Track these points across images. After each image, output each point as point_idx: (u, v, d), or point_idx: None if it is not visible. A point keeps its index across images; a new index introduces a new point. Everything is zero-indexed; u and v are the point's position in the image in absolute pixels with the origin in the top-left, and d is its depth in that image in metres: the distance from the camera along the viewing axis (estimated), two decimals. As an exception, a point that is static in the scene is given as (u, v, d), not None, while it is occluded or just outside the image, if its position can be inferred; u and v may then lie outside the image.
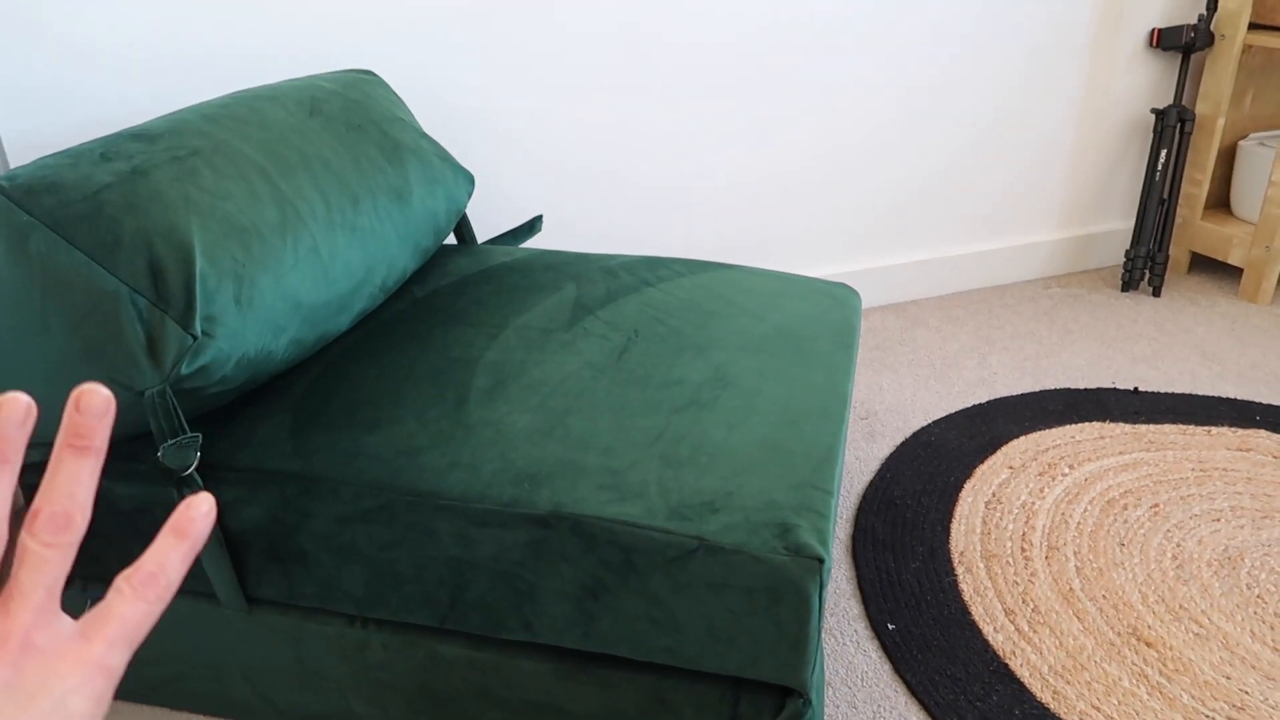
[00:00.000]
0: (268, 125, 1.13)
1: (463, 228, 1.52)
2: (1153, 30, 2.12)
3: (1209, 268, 2.32)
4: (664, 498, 0.90)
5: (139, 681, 1.08)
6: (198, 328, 0.91)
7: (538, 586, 0.91)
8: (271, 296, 1.00)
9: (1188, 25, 2.07)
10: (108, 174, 0.94)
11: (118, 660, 0.31)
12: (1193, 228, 2.23)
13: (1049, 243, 2.23)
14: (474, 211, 1.74)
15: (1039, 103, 2.08)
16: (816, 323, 1.25)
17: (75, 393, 0.31)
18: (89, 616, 0.31)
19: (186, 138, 1.04)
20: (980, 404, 1.69)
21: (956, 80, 1.98)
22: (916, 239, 2.10)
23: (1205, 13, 2.08)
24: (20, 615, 0.29)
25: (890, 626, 1.20)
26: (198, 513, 0.35)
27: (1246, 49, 2.16)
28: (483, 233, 1.76)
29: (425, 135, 1.35)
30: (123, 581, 0.33)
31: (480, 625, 0.95)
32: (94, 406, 0.31)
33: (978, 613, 1.22)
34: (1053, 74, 2.07)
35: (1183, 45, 2.08)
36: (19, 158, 1.41)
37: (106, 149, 0.99)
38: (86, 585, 1.05)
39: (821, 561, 0.85)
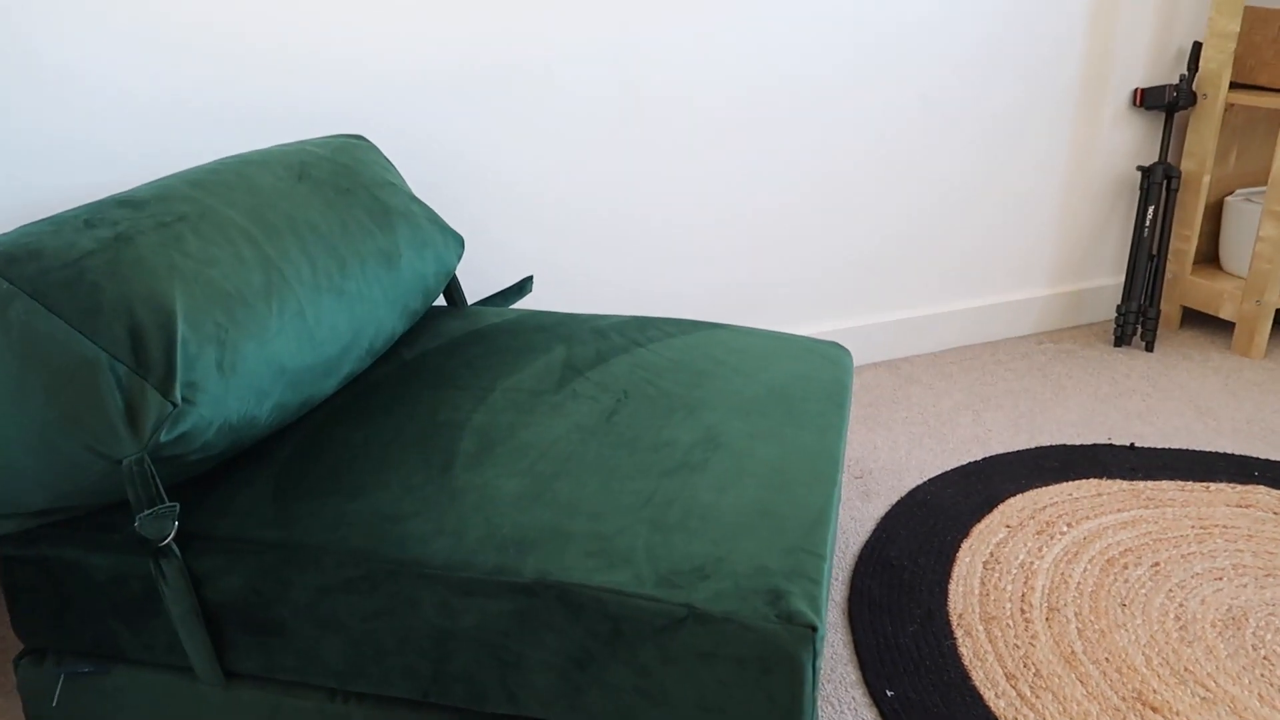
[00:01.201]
0: (255, 190, 1.13)
1: (452, 289, 1.52)
2: (1136, 90, 2.16)
3: (1201, 322, 2.32)
4: (652, 564, 0.88)
5: (113, 760, 1.05)
6: (178, 395, 0.89)
7: (523, 657, 0.89)
8: (255, 362, 0.98)
9: (1170, 85, 2.10)
10: (91, 241, 0.94)
11: None
12: (1183, 283, 2.24)
13: (1040, 298, 2.23)
14: (464, 265, 1.74)
15: (1027, 161, 2.10)
16: (808, 382, 1.24)
17: None
18: None
19: (172, 204, 1.04)
20: (976, 461, 1.68)
21: (946, 141, 2.00)
22: (908, 296, 2.11)
23: (1187, 73, 2.11)
24: None
25: (889, 693, 1.17)
26: None
27: (1229, 107, 2.19)
28: (474, 284, 1.76)
29: (415, 199, 1.36)
30: None
31: (464, 698, 0.92)
32: None
33: (978, 678, 1.19)
34: (1040, 134, 2.09)
35: (1166, 105, 2.11)
36: (5, 216, 1.41)
37: (91, 215, 0.98)
38: (61, 660, 1.02)
39: (815, 629, 0.83)
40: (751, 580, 0.87)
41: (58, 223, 0.97)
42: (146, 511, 0.88)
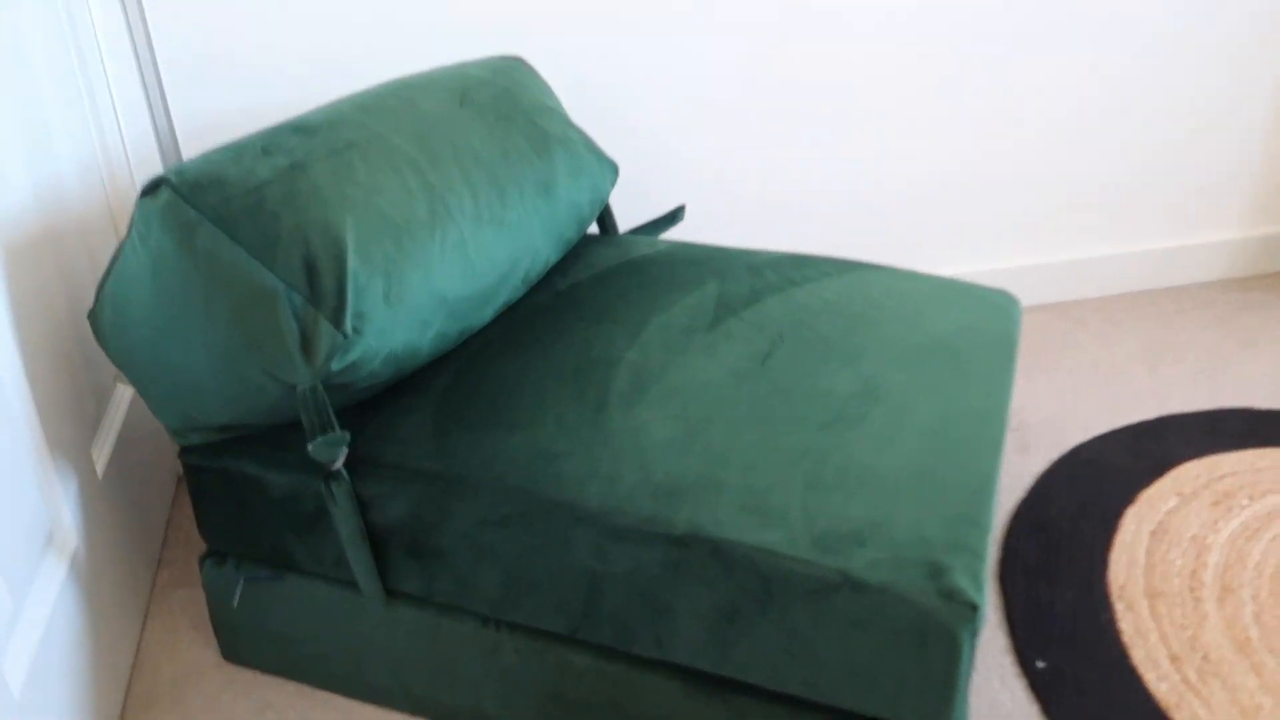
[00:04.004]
0: (420, 116, 1.13)
1: (605, 217, 1.50)
2: (1373, 8, 1.89)
3: None
4: (808, 525, 0.86)
5: (282, 658, 1.12)
6: (349, 325, 0.92)
7: (673, 606, 0.89)
8: (419, 292, 1.00)
9: None
10: (268, 169, 0.96)
11: None
12: (1405, 230, 2.00)
13: (1231, 242, 2.04)
14: (617, 194, 1.72)
15: (1226, 92, 1.89)
16: (974, 334, 1.17)
17: None
18: None
19: (343, 130, 1.05)
20: (1147, 420, 1.57)
21: (1136, 68, 1.82)
22: (1081, 234, 1.96)
23: None
24: None
25: (1040, 664, 1.13)
26: None
27: None
28: (624, 210, 1.74)
29: (572, 124, 1.33)
30: None
31: (612, 638, 0.94)
32: None
33: (1138, 656, 1.13)
34: (1245, 63, 1.87)
35: None
36: (187, 134, 1.47)
37: (268, 143, 1.00)
38: (241, 564, 1.09)
39: (976, 608, 0.80)
40: (911, 550, 0.84)
41: (238, 150, 0.99)
42: (320, 439, 0.91)
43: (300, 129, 1.05)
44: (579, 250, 1.40)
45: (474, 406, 1.03)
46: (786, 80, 1.69)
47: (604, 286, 1.28)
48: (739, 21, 1.62)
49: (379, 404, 1.05)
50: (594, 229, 1.76)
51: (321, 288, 0.92)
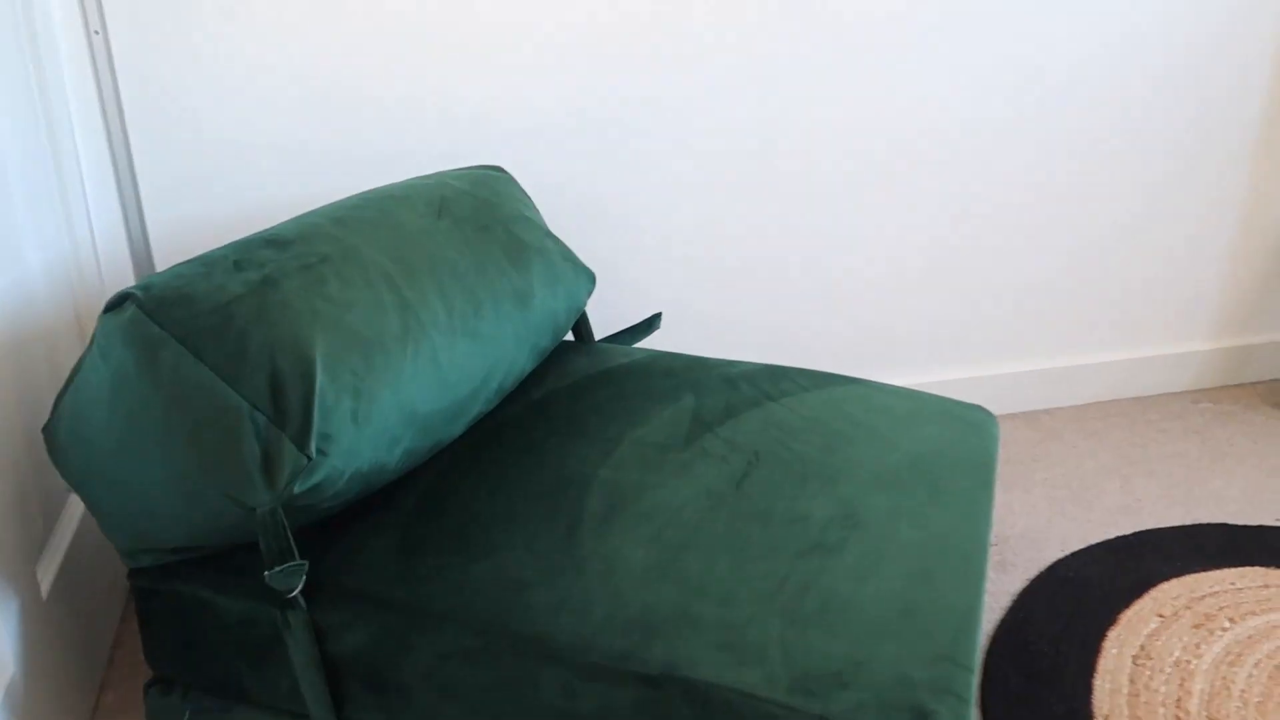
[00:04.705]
0: (397, 229, 1.12)
1: (580, 324, 1.49)
2: (1325, 132, 1.97)
3: (1384, 387, 2.11)
4: (786, 664, 0.83)
5: (230, 792, 1.06)
6: (313, 447, 0.89)
7: (644, 749, 0.85)
8: (389, 409, 0.97)
9: (1366, 128, 1.91)
10: (239, 284, 0.94)
11: None
12: (1366, 344, 2.04)
13: (1201, 353, 2.07)
14: (594, 300, 1.72)
15: (1196, 202, 1.94)
16: (952, 454, 1.16)
17: None
18: None
19: (316, 244, 1.04)
20: (1125, 535, 1.55)
21: (1106, 177, 1.87)
22: (1052, 344, 1.98)
23: (1386, 115, 1.91)
24: None
25: (1026, 802, 1.08)
26: None
27: None
28: (601, 317, 1.74)
29: (550, 234, 1.34)
30: None
31: (580, 781, 0.89)
32: None
33: (1127, 793, 1.09)
34: (1214, 173, 1.93)
35: (1360, 149, 1.92)
36: (161, 242, 1.45)
37: (240, 256, 0.99)
38: (189, 694, 1.03)
39: (963, 759, 0.76)
40: (893, 692, 0.81)
41: (208, 264, 0.97)
42: (277, 568, 0.87)
43: (273, 242, 1.03)
44: (554, 358, 1.38)
45: (441, 529, 1.00)
46: (763, 192, 1.71)
47: (578, 398, 1.26)
48: (717, 129, 1.65)
49: (341, 522, 1.01)
50: (570, 336, 1.75)
51: (287, 407, 0.89)
